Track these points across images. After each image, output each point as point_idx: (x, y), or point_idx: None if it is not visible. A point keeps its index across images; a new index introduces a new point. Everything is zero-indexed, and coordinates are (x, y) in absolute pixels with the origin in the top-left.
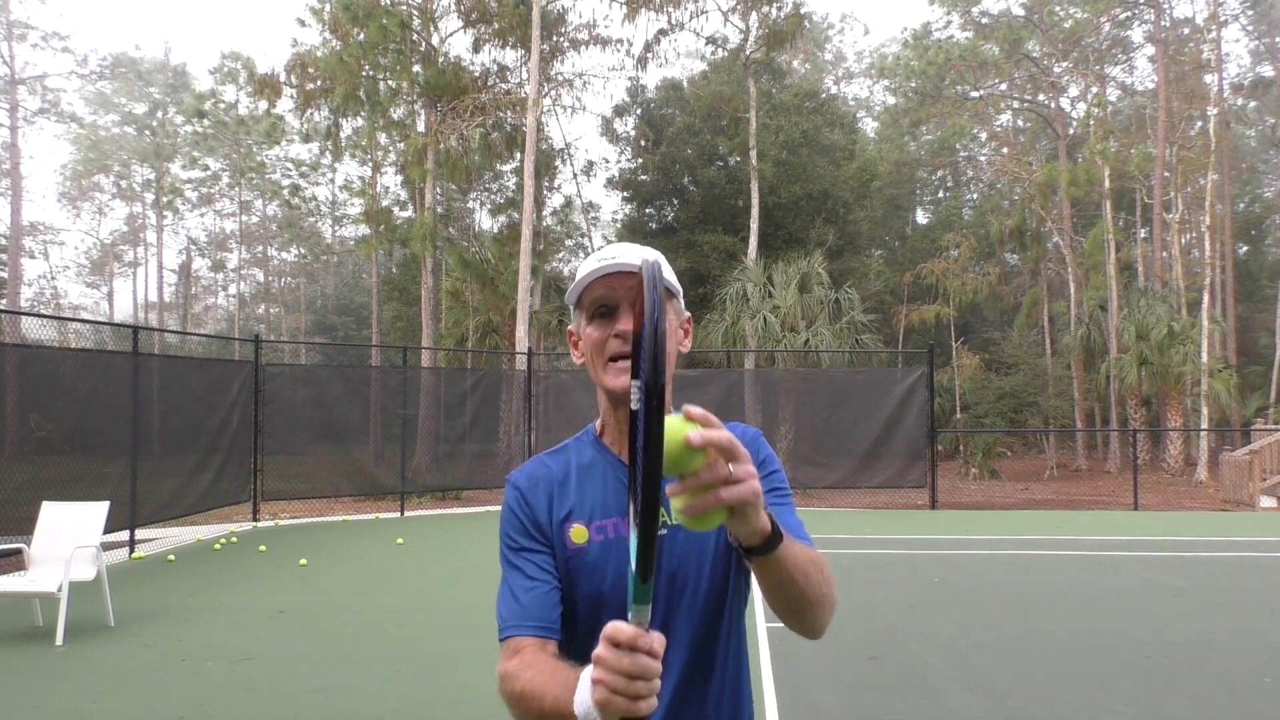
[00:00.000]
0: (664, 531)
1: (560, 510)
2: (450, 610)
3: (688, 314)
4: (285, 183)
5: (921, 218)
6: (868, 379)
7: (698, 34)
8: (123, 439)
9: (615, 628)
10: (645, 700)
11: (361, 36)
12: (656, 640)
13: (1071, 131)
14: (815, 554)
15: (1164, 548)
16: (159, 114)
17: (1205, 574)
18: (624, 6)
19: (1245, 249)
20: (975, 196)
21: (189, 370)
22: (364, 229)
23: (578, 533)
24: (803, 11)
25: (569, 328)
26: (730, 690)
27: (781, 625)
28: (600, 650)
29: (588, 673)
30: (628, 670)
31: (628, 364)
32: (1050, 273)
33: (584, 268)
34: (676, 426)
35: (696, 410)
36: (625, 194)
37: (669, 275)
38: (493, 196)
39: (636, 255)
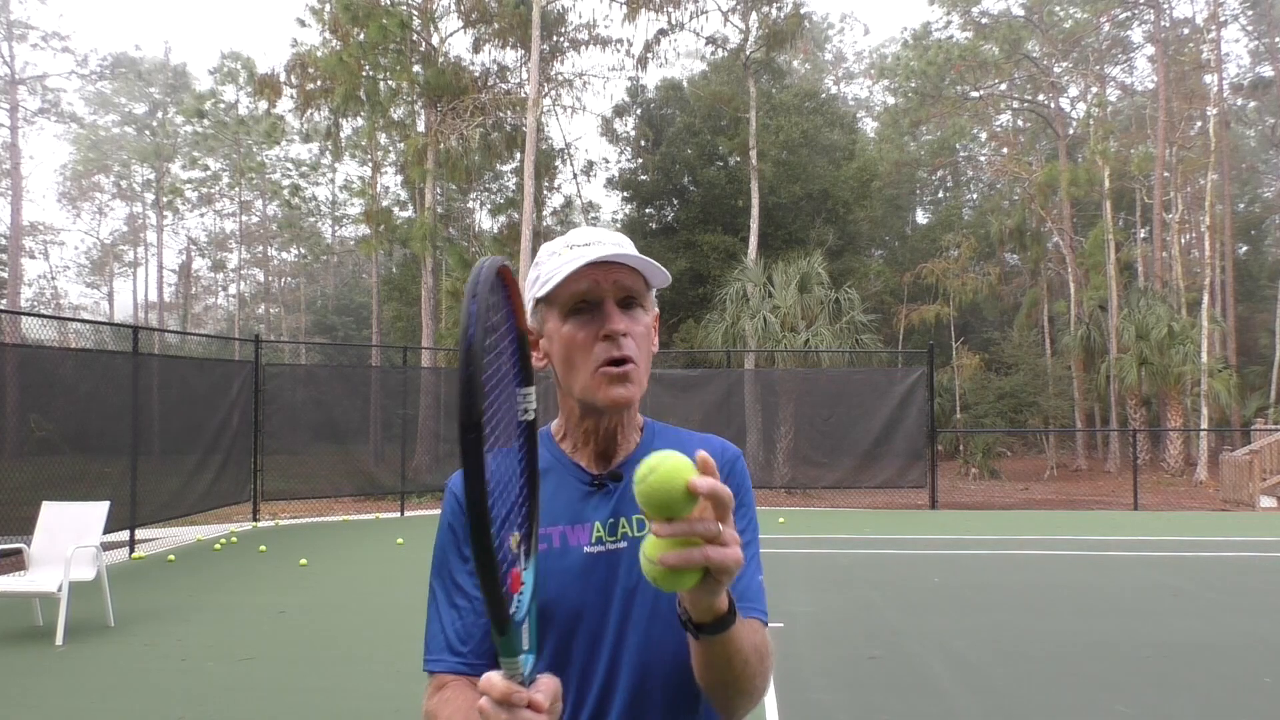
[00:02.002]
0: (623, 545)
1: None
2: None
3: (655, 310)
4: (285, 183)
5: (921, 218)
6: (868, 379)
7: (698, 34)
8: (123, 439)
9: (487, 681)
10: None
11: (361, 36)
12: (542, 691)
13: (1071, 131)
14: (762, 639)
15: (1164, 548)
16: (159, 114)
17: (1205, 574)
18: (624, 6)
19: (1245, 249)
20: (975, 196)
21: (189, 370)
22: (364, 229)
23: (516, 542)
24: (803, 11)
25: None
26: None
27: (779, 625)
28: (482, 702)
29: None
30: None
31: (627, 369)
32: (1050, 273)
33: (555, 256)
34: (681, 467)
35: (710, 459)
36: (625, 194)
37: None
38: (493, 196)
39: (615, 242)
